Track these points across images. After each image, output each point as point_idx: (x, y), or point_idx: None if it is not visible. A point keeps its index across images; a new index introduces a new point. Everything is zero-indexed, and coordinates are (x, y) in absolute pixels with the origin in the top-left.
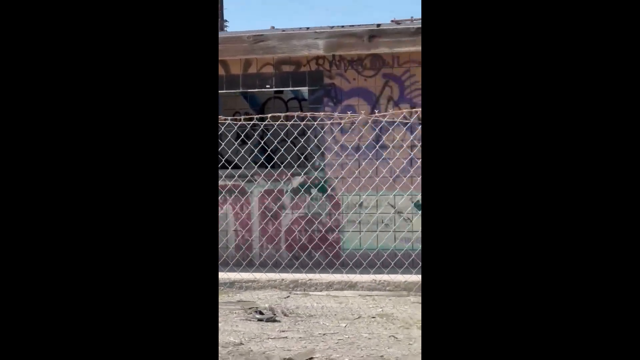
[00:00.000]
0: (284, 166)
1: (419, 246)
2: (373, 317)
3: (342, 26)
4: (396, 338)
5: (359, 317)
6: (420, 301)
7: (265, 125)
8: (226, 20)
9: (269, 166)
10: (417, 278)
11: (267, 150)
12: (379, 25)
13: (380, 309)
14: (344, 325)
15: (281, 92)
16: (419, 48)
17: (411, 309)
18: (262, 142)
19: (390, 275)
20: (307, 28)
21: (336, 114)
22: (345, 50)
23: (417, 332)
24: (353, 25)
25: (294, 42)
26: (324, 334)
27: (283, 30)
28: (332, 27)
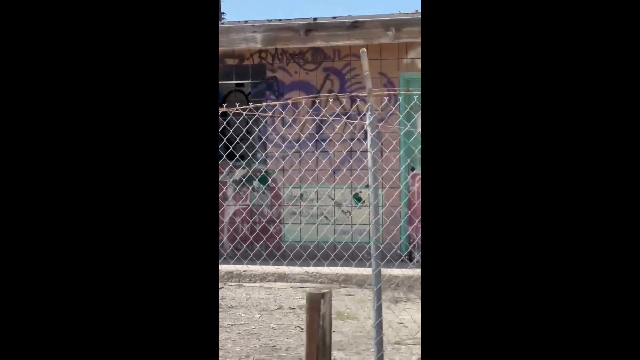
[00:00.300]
0: (226, 157)
1: (358, 238)
2: (293, 309)
3: (280, 20)
4: (302, 329)
5: (279, 308)
6: (349, 293)
7: None
8: (224, 13)
9: None
10: (356, 271)
11: None
12: (315, 19)
13: (304, 301)
14: (259, 316)
15: (242, 84)
16: (355, 42)
17: (335, 300)
18: None
19: (321, 267)
20: (246, 21)
21: (277, 105)
22: (283, 43)
23: None
24: (290, 19)
25: (233, 36)
26: (232, 325)
27: (222, 24)
28: (270, 20)
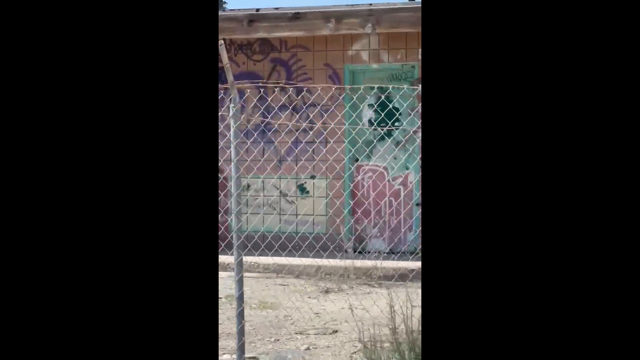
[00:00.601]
0: None
1: (302, 229)
2: (220, 298)
3: (224, 10)
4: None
5: None
6: (284, 283)
7: None
8: (225, 2)
9: None
10: (298, 261)
11: None
12: (258, 10)
13: (233, 291)
14: None
15: None
16: (297, 33)
17: (268, 290)
18: None
19: (263, 257)
20: None
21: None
22: (227, 34)
23: (247, 312)
24: (234, 10)
25: None
26: None
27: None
28: None
